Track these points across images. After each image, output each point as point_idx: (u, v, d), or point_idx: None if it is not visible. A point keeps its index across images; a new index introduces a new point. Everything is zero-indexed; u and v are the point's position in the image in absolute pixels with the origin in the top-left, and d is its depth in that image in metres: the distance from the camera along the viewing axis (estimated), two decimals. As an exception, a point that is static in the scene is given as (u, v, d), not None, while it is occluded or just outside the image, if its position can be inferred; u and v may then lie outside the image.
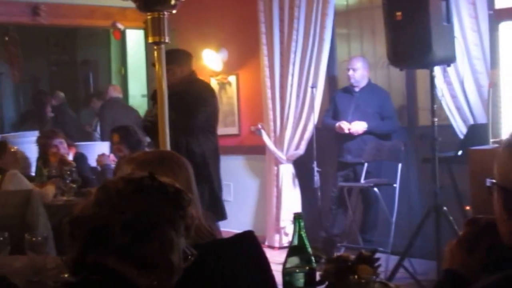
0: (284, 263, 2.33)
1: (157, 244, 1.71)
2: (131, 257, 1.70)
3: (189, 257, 1.80)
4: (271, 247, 7.63)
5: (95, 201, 1.74)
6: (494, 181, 1.84)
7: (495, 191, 1.83)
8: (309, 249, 2.33)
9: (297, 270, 2.31)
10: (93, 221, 1.71)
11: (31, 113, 10.83)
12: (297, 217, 2.36)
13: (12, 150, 6.08)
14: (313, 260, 2.32)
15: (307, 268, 2.31)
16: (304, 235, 2.34)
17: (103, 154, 6.55)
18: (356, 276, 2.18)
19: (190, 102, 5.83)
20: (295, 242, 2.34)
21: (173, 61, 5.75)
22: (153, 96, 6.03)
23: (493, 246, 1.92)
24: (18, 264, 3.15)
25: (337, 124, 6.83)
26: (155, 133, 4.84)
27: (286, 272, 2.31)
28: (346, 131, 6.74)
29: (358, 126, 6.71)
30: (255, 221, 8.15)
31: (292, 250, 2.34)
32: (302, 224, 2.34)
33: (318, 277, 2.31)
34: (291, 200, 7.62)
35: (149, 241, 1.70)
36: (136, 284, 1.70)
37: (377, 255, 2.26)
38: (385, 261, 5.90)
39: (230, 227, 7.04)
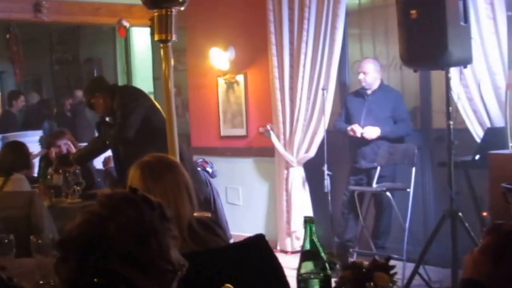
0: (298, 268, 2.27)
1: (155, 246, 1.73)
2: (134, 260, 1.71)
3: (182, 268, 1.81)
4: (284, 251, 7.50)
5: (83, 219, 1.75)
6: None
7: None
8: (323, 254, 2.28)
9: (312, 277, 2.25)
10: (85, 234, 1.72)
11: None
12: (308, 221, 2.29)
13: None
14: (328, 266, 2.27)
15: (323, 274, 2.25)
16: (316, 239, 2.28)
17: (110, 157, 6.44)
18: (372, 284, 2.15)
19: (118, 118, 5.88)
20: (308, 247, 2.27)
21: (94, 91, 6.03)
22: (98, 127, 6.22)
23: None
24: (25, 267, 3.16)
25: (349, 128, 6.65)
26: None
27: (301, 279, 2.27)
28: (358, 135, 6.56)
29: (371, 132, 6.51)
30: (266, 225, 7.99)
31: (305, 255, 2.28)
32: (313, 228, 2.28)
33: (333, 284, 2.27)
34: (302, 204, 7.45)
35: (148, 243, 1.72)
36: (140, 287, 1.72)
37: (392, 262, 2.23)
38: (401, 269, 5.75)
39: (241, 231, 6.94)
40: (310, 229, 2.28)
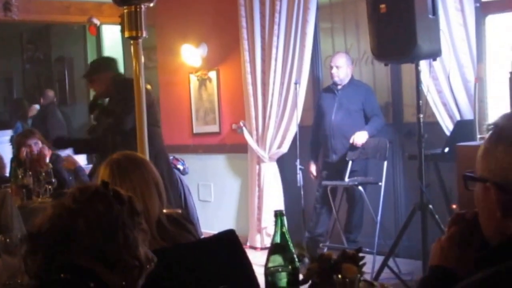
0: (267, 262, 2.29)
1: (122, 242, 1.74)
2: (101, 255, 1.72)
3: (150, 263, 1.83)
4: (253, 247, 7.48)
5: (53, 213, 1.76)
6: (476, 176, 1.78)
7: (488, 188, 1.75)
8: (292, 248, 2.30)
9: (280, 270, 2.28)
10: (55, 228, 1.72)
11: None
12: (278, 214, 2.32)
13: None
14: (296, 259, 2.30)
15: (290, 267, 2.27)
16: (286, 232, 2.30)
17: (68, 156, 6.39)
18: (340, 275, 2.15)
19: (116, 106, 5.75)
20: (277, 240, 2.30)
21: (96, 71, 5.93)
22: (91, 108, 6.04)
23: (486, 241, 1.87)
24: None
25: (310, 168, 7.00)
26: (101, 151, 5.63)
27: (269, 272, 2.29)
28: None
29: (361, 137, 6.48)
30: (237, 222, 7.98)
31: (275, 248, 2.30)
32: (284, 221, 2.31)
33: (301, 277, 2.29)
34: (274, 200, 7.45)
35: (116, 239, 1.73)
36: (108, 284, 1.73)
37: (362, 254, 2.25)
38: (371, 262, 5.78)
39: (211, 228, 6.92)
40: (281, 222, 2.30)
